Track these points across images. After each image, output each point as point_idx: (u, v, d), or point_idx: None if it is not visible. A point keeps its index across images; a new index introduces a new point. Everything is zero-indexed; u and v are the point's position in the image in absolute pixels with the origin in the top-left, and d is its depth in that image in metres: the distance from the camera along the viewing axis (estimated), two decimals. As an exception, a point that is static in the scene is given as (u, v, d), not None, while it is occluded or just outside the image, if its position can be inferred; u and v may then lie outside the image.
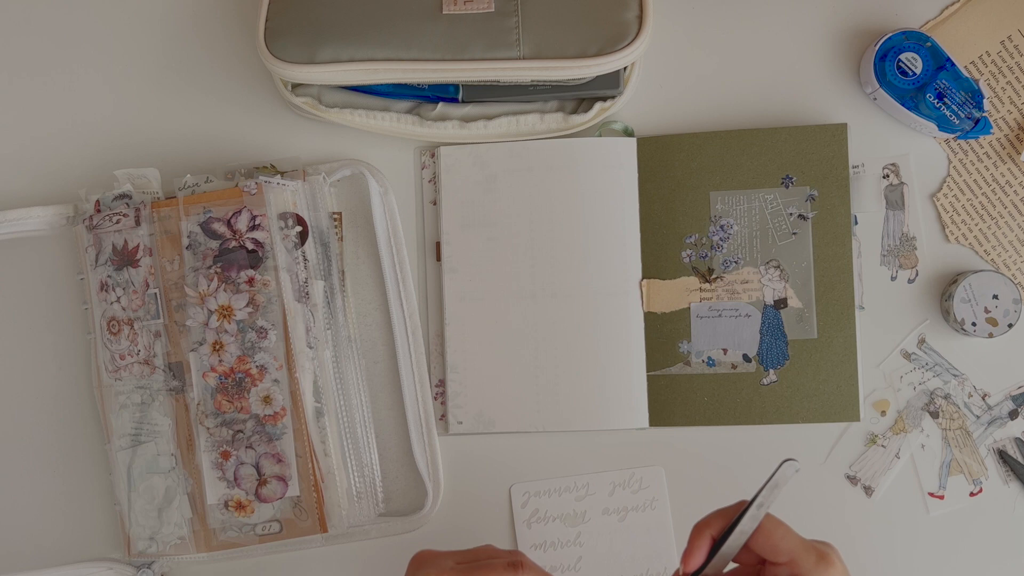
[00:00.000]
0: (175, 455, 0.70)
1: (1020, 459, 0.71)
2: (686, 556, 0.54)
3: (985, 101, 0.71)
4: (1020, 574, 0.71)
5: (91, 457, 0.74)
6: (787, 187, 0.72)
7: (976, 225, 0.73)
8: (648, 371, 0.72)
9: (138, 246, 0.71)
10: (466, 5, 0.69)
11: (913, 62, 0.71)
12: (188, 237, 0.70)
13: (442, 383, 0.74)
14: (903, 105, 0.71)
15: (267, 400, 0.68)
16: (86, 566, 0.72)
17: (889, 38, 0.72)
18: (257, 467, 0.69)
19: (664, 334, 0.72)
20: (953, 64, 0.71)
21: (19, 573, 0.72)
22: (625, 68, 0.71)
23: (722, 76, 0.75)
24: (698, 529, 0.54)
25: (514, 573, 0.56)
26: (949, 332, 0.72)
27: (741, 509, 0.53)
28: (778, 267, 0.72)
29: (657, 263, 0.73)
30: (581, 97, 0.73)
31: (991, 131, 0.71)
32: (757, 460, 0.72)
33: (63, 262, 0.75)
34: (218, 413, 0.69)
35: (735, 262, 0.73)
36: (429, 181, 0.75)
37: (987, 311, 0.70)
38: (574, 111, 0.74)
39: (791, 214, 0.72)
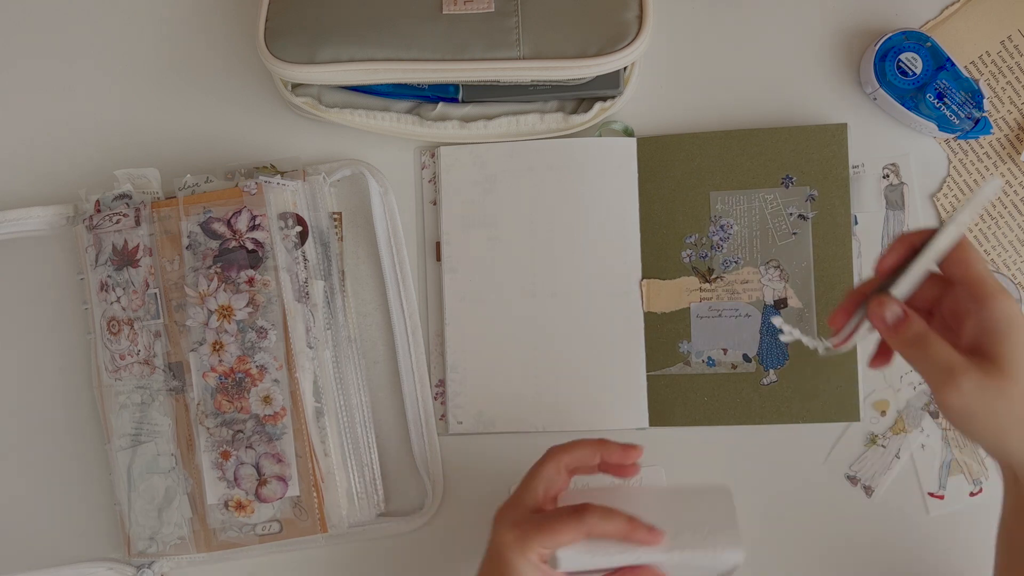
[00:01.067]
0: (175, 455, 0.70)
1: (1020, 459, 0.71)
2: (882, 260, 0.56)
3: (985, 101, 0.71)
4: (1020, 574, 0.71)
5: (91, 457, 0.74)
6: (787, 187, 0.72)
7: (976, 225, 0.73)
8: (648, 371, 0.72)
9: (138, 246, 0.71)
10: (466, 5, 0.69)
11: (913, 62, 0.71)
12: (188, 237, 0.70)
13: (442, 383, 0.74)
14: (903, 105, 0.71)
15: (267, 400, 0.68)
16: (86, 566, 0.72)
17: (889, 38, 0.72)
18: (257, 467, 0.69)
19: (664, 334, 0.72)
20: (953, 64, 0.71)
21: (19, 573, 0.72)
22: (625, 68, 0.71)
23: (722, 76, 0.75)
24: (902, 238, 0.55)
25: (578, 518, 0.57)
26: (949, 332, 0.72)
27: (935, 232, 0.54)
28: (778, 267, 0.72)
29: (657, 263, 0.73)
30: (581, 97, 0.73)
31: (991, 131, 0.71)
32: (757, 460, 0.72)
33: (63, 262, 0.75)
34: (218, 413, 0.69)
35: (735, 262, 0.73)
36: (429, 181, 0.75)
37: (987, 311, 0.70)
38: (574, 111, 0.74)
39: (791, 214, 0.72)
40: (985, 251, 0.72)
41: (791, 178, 0.72)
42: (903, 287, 0.54)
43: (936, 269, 0.55)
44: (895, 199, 0.73)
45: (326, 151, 0.76)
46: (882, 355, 0.58)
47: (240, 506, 0.69)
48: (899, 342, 0.55)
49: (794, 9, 0.75)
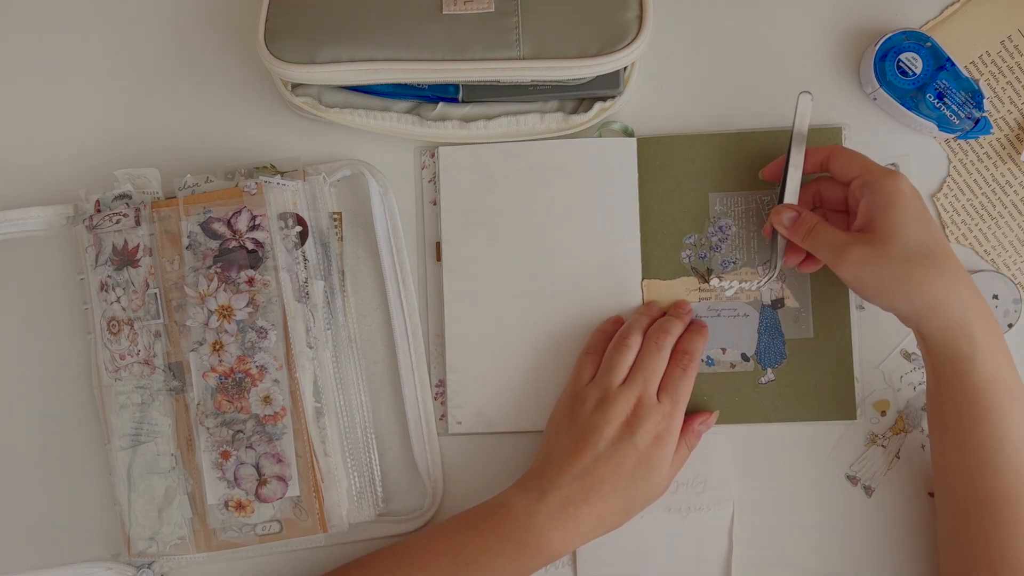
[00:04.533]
0: (175, 455, 0.70)
1: (1020, 459, 0.71)
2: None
3: (985, 101, 0.71)
4: (1020, 574, 0.71)
5: (91, 457, 0.74)
6: (787, 187, 0.72)
7: (976, 225, 0.73)
8: (648, 371, 0.72)
9: (138, 246, 0.71)
10: (466, 5, 0.69)
11: (913, 62, 0.71)
12: (188, 237, 0.70)
13: (442, 383, 0.74)
14: (903, 105, 0.71)
15: (267, 400, 0.68)
16: (86, 566, 0.72)
17: (889, 38, 0.72)
18: (257, 467, 0.69)
19: (664, 334, 0.72)
20: (953, 64, 0.71)
21: (19, 573, 0.72)
22: (625, 68, 0.71)
23: (722, 76, 0.75)
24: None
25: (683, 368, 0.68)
26: (949, 332, 0.72)
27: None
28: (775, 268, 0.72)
29: (657, 263, 0.73)
30: (581, 97, 0.73)
31: (991, 131, 0.71)
32: (756, 459, 0.72)
33: (63, 262, 0.75)
34: (218, 413, 0.69)
35: (733, 263, 0.73)
36: (429, 181, 0.75)
37: (987, 311, 0.70)
38: (574, 111, 0.74)
39: (791, 214, 0.72)
40: (985, 251, 0.72)
41: (791, 178, 0.72)
42: (789, 195, 0.67)
43: (798, 177, 0.68)
44: (895, 199, 0.73)
45: (326, 151, 0.76)
46: (808, 260, 0.68)
47: (240, 506, 0.69)
48: (799, 237, 0.66)
49: (794, 9, 0.75)
